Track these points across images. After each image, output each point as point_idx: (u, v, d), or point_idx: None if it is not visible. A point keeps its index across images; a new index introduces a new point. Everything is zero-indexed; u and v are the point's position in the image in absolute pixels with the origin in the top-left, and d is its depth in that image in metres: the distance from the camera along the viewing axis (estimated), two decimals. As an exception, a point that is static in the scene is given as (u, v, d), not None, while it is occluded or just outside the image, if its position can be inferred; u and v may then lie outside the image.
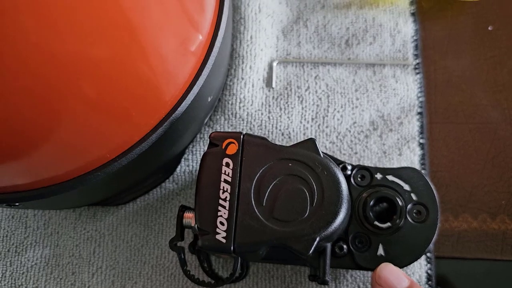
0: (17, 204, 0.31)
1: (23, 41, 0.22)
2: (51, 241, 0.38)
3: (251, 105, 0.39)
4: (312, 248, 0.27)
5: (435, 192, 0.33)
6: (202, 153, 0.39)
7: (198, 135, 0.39)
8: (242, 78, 0.40)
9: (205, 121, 0.39)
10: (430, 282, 0.37)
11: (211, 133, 0.29)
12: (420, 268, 0.37)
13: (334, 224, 0.27)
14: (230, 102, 0.39)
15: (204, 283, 0.31)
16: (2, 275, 0.38)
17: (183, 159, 0.39)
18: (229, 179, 0.28)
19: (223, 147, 0.29)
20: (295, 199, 0.28)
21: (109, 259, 0.38)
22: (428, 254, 0.38)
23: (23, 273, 0.38)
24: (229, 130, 0.39)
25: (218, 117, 0.39)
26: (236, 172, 0.28)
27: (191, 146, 0.39)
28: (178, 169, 0.39)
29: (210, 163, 0.29)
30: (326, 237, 0.27)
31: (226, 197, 0.28)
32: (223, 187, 0.28)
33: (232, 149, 0.29)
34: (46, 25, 0.22)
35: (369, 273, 0.37)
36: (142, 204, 0.38)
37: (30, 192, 0.30)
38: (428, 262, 0.37)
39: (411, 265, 0.37)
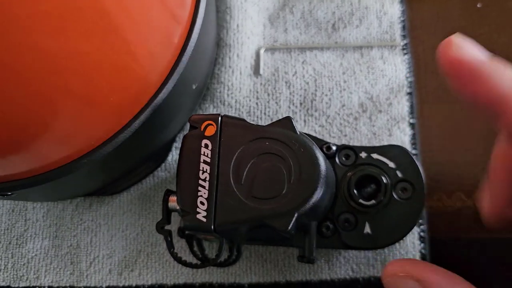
0: (9, 193, 0.32)
1: (13, 37, 0.23)
2: (50, 232, 0.39)
3: (239, 92, 0.40)
4: (291, 225, 0.27)
5: (420, 168, 0.33)
6: (192, 141, 0.39)
7: (188, 124, 0.40)
8: (230, 67, 0.40)
9: (194, 109, 0.39)
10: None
11: (191, 116, 0.30)
12: (413, 248, 0.37)
13: (312, 199, 0.27)
14: (218, 90, 0.40)
15: (190, 264, 0.31)
16: (4, 267, 0.39)
17: (174, 148, 0.39)
18: (208, 160, 0.29)
19: (202, 129, 0.29)
20: (273, 177, 0.28)
21: (105, 248, 0.39)
22: (422, 234, 0.37)
23: (24, 264, 0.39)
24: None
25: (207, 105, 0.40)
26: (215, 153, 0.29)
27: (182, 133, 0.40)
28: (169, 157, 0.39)
29: (190, 145, 0.29)
30: (305, 213, 0.28)
31: (205, 177, 0.28)
32: (203, 167, 0.29)
33: (211, 130, 0.29)
34: (34, 22, 0.23)
35: (362, 254, 0.37)
36: (136, 193, 0.39)
37: (19, 181, 0.31)
38: (422, 242, 0.37)
39: (405, 245, 0.37)
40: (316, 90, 0.40)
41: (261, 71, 0.40)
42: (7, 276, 0.39)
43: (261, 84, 0.40)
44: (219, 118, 0.29)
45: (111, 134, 0.31)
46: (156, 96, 0.31)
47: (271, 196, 0.28)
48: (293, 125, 0.29)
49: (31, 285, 0.38)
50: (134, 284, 0.38)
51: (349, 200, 0.32)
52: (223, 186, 0.28)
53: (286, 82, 0.40)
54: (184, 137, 0.29)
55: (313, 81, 0.40)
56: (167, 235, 0.31)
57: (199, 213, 0.28)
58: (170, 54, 0.32)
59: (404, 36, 0.41)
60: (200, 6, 0.33)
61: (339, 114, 0.40)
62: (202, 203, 0.28)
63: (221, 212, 0.28)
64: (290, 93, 0.40)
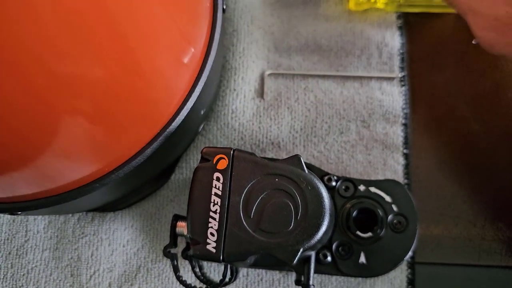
0: (19, 212, 0.33)
1: (26, 61, 0.23)
2: (51, 244, 0.40)
3: (243, 115, 0.41)
4: (296, 258, 0.29)
5: (414, 203, 0.35)
6: (195, 161, 0.41)
7: (191, 144, 0.41)
8: (234, 89, 0.41)
9: (199, 130, 0.40)
10: (410, 287, 0.39)
11: (203, 149, 0.31)
12: (401, 272, 0.39)
13: (317, 236, 0.29)
14: (222, 113, 0.41)
15: (195, 288, 0.33)
16: (3, 277, 0.40)
17: (177, 167, 0.41)
18: (219, 193, 0.30)
19: (214, 162, 0.30)
20: (281, 212, 0.30)
21: (106, 262, 0.40)
22: (409, 260, 0.40)
23: (23, 274, 0.40)
24: (222, 140, 0.41)
25: (211, 126, 0.41)
26: (226, 186, 0.30)
27: (185, 154, 0.41)
28: (172, 176, 0.40)
29: (202, 177, 0.30)
30: (309, 247, 0.29)
31: (216, 209, 0.30)
32: (214, 200, 0.30)
33: (223, 164, 0.30)
34: (48, 46, 0.23)
35: (352, 278, 0.39)
36: (138, 210, 0.40)
37: (31, 202, 0.32)
38: (409, 267, 0.39)
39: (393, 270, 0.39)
40: (316, 117, 0.41)
41: (265, 96, 0.42)
42: (5, 286, 0.39)
43: (264, 108, 0.42)
44: (231, 152, 0.31)
45: (124, 160, 0.31)
46: (170, 124, 0.32)
47: (278, 231, 0.29)
48: (302, 163, 0.30)
49: (30, 296, 0.39)
50: (133, 298, 0.39)
51: (347, 230, 0.34)
52: (232, 219, 0.30)
53: (288, 108, 0.42)
54: (197, 168, 0.30)
55: (314, 108, 0.42)
56: (174, 259, 0.33)
57: (209, 244, 0.29)
58: (185, 81, 0.33)
59: (402, 68, 0.43)
60: (216, 32, 0.34)
61: (337, 141, 0.41)
62: (212, 234, 0.29)
63: (230, 243, 0.29)
64: (292, 119, 0.41)
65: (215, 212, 0.30)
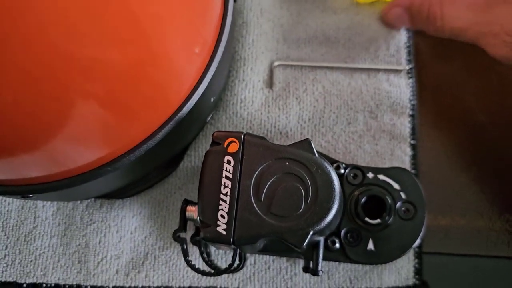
0: (30, 195, 0.33)
1: (43, 43, 0.23)
2: (59, 231, 0.40)
3: (251, 105, 0.41)
4: (306, 241, 0.29)
5: (422, 191, 0.35)
6: (204, 150, 0.41)
7: (200, 133, 0.41)
8: (243, 80, 0.42)
9: (208, 119, 0.41)
10: (417, 276, 0.39)
11: (214, 133, 0.31)
12: (408, 262, 0.39)
13: (327, 219, 0.29)
14: (231, 102, 0.41)
15: (204, 272, 0.33)
16: (11, 263, 0.40)
17: (186, 155, 0.41)
18: (230, 176, 0.30)
19: (225, 145, 0.31)
20: (291, 196, 0.30)
21: (113, 249, 0.40)
22: (416, 250, 0.40)
23: (31, 261, 0.40)
24: (230, 129, 0.41)
25: (220, 116, 0.41)
26: (237, 169, 0.30)
27: (193, 143, 0.41)
28: (181, 164, 0.41)
29: (213, 161, 0.31)
30: (319, 231, 0.30)
31: (227, 192, 0.30)
32: (224, 183, 0.30)
33: (233, 147, 0.31)
34: (65, 29, 0.24)
35: (361, 266, 0.39)
36: (146, 198, 0.40)
37: (43, 185, 0.32)
38: (416, 257, 0.40)
39: (400, 259, 0.39)
40: (324, 107, 0.42)
41: (273, 86, 0.42)
42: (13, 272, 0.40)
43: (272, 98, 0.42)
44: (242, 136, 0.31)
45: (136, 143, 0.32)
46: (180, 110, 0.32)
47: (288, 214, 0.30)
48: (312, 147, 0.30)
49: (37, 282, 0.39)
50: (140, 286, 0.39)
51: (355, 217, 0.34)
52: (243, 202, 0.30)
53: (296, 98, 0.42)
54: (208, 152, 0.31)
55: (322, 99, 0.42)
56: (183, 243, 0.33)
57: (219, 225, 0.30)
58: (196, 68, 0.33)
59: (409, 61, 0.43)
60: (226, 22, 0.34)
61: (344, 131, 0.41)
62: (222, 216, 0.30)
63: (240, 226, 0.30)
64: (300, 109, 0.42)
65: (225, 195, 0.30)
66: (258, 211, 0.30)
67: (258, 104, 0.42)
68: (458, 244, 0.40)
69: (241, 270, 0.39)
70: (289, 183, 0.30)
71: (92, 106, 0.28)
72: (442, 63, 0.44)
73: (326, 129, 0.41)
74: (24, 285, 0.39)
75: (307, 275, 0.39)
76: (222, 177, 0.30)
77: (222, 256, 0.39)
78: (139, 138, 0.32)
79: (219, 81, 0.37)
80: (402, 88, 0.42)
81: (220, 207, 0.30)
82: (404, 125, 0.42)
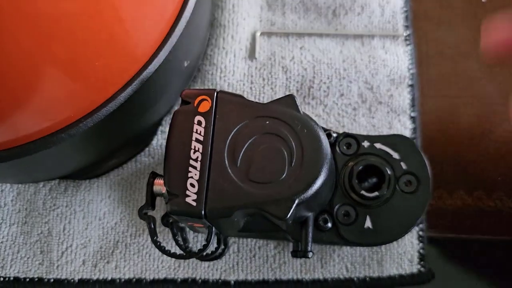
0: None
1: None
2: (19, 218, 0.36)
3: (233, 75, 0.37)
4: (290, 212, 0.25)
5: (426, 161, 0.31)
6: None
7: (176, 106, 0.37)
8: (223, 48, 0.38)
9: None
10: (422, 262, 0.35)
11: (183, 91, 0.27)
12: (412, 247, 0.35)
13: (315, 185, 0.25)
14: (210, 72, 0.37)
15: (175, 255, 0.29)
16: (-35, 254, 0.35)
17: (159, 132, 0.37)
18: (201, 138, 0.26)
19: (195, 104, 0.27)
20: (273, 159, 0.26)
21: (80, 237, 0.35)
22: (421, 233, 0.35)
23: (-13, 252, 0.35)
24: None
25: (197, 87, 0.37)
26: (209, 131, 0.26)
27: (167, 118, 0.37)
28: (154, 142, 0.36)
29: (181, 122, 0.26)
30: (306, 201, 0.25)
31: (197, 157, 0.26)
32: (195, 146, 0.26)
33: (205, 106, 0.26)
34: None
35: (358, 252, 0.35)
36: (116, 179, 0.36)
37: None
38: (421, 241, 0.35)
39: (403, 244, 0.35)
40: (314, 77, 0.38)
41: (257, 55, 0.38)
42: (-33, 265, 0.35)
43: (256, 68, 0.38)
44: (215, 94, 0.27)
45: (95, 106, 0.28)
46: (145, 68, 0.29)
47: (270, 181, 0.25)
48: (296, 103, 0.26)
49: (-6, 276, 0.35)
50: (109, 278, 0.35)
51: (350, 191, 0.30)
52: (216, 168, 0.26)
53: (282, 67, 0.38)
54: (175, 112, 0.27)
55: (311, 68, 0.38)
56: (150, 221, 0.29)
57: (188, 196, 0.25)
58: (162, 25, 0.29)
59: (407, 27, 0.39)
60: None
61: (337, 104, 0.37)
62: (192, 185, 0.25)
63: (213, 196, 0.25)
64: (287, 79, 0.38)
65: (196, 160, 0.26)
66: (234, 178, 0.25)
67: (240, 75, 0.37)
68: (465, 227, 0.36)
69: (223, 259, 0.35)
70: (270, 145, 0.26)
71: (43, 61, 0.24)
72: (443, 30, 0.40)
73: (317, 102, 0.37)
74: (-22, 279, 0.35)
75: (298, 263, 0.35)
76: (192, 140, 0.26)
77: (201, 243, 0.35)
78: (98, 100, 0.28)
79: (192, 43, 0.33)
80: (399, 56, 0.38)
81: (190, 174, 0.26)
82: (403, 96, 0.38)
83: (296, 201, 0.25)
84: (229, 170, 0.26)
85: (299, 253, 0.29)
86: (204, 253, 0.28)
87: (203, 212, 0.25)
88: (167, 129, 0.36)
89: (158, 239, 0.28)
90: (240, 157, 0.26)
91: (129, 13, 0.27)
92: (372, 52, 0.38)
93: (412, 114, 0.37)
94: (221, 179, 0.25)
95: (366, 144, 0.31)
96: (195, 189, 0.25)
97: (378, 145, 0.31)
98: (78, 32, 0.24)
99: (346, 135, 0.31)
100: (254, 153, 0.26)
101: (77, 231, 0.35)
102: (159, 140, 0.37)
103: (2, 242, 0.36)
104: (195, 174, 0.25)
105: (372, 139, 0.31)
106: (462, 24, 0.40)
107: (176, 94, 0.35)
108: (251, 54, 0.38)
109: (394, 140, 0.31)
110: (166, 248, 0.29)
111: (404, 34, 0.39)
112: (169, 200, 0.26)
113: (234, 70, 0.37)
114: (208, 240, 0.28)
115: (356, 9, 0.39)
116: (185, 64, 0.33)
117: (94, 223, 0.36)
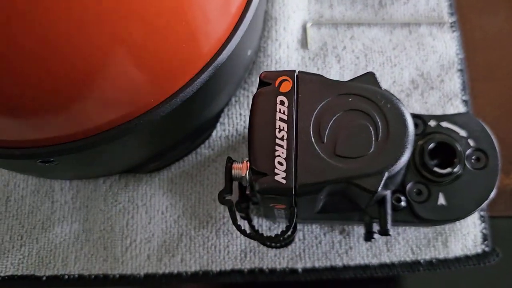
0: (52, 160, 0.29)
1: None
2: (80, 215, 0.36)
3: (287, 65, 0.38)
4: (381, 184, 0.25)
5: (493, 137, 0.31)
6: (238, 116, 0.37)
7: (233, 99, 0.37)
8: (277, 40, 0.38)
9: (241, 83, 0.37)
10: (486, 242, 0.35)
11: (262, 73, 0.27)
12: (474, 227, 0.35)
13: (403, 158, 0.25)
14: (265, 64, 0.38)
15: (261, 236, 0.28)
16: (28, 254, 0.35)
17: (218, 124, 0.37)
18: (285, 118, 0.26)
19: (276, 85, 0.27)
20: (359, 134, 0.26)
21: (143, 232, 0.35)
22: (482, 213, 0.36)
23: (50, 250, 0.35)
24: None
25: (253, 79, 0.38)
26: (292, 110, 0.26)
27: (226, 109, 0.37)
28: (214, 134, 0.37)
29: (263, 102, 0.27)
30: (393, 174, 0.25)
31: (283, 136, 0.26)
32: (279, 125, 0.26)
33: (286, 86, 0.27)
34: None
35: (422, 234, 0.35)
36: (177, 172, 0.36)
37: (67, 145, 0.28)
38: (482, 221, 0.35)
39: (466, 225, 0.35)
40: (366, 65, 0.38)
41: (309, 46, 0.39)
42: (31, 264, 0.35)
43: (309, 58, 0.38)
44: (295, 74, 0.27)
45: (173, 91, 0.28)
46: (220, 54, 0.29)
47: (357, 155, 0.25)
48: (376, 80, 0.27)
49: (58, 274, 0.35)
50: (175, 271, 0.35)
51: (422, 169, 0.30)
52: (303, 145, 0.26)
53: (335, 56, 0.38)
54: (257, 93, 0.27)
55: (364, 56, 0.38)
56: (231, 205, 0.29)
57: (277, 174, 0.25)
58: (233, 13, 0.30)
59: (451, 14, 0.40)
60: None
61: (390, 90, 0.38)
62: (280, 163, 0.25)
63: (303, 173, 0.25)
64: (340, 68, 0.38)
65: (281, 139, 0.26)
66: (322, 154, 0.25)
67: (294, 65, 0.38)
68: (525, 206, 0.36)
69: (289, 248, 0.35)
70: (355, 121, 0.26)
71: (126, 54, 0.25)
72: (486, 16, 0.41)
73: (370, 89, 0.38)
74: (44, 278, 0.34)
75: (364, 248, 0.35)
76: (276, 119, 0.26)
77: (263, 229, 0.35)
78: (175, 86, 0.28)
79: (255, 32, 0.33)
80: (447, 42, 0.39)
81: (277, 153, 0.26)
82: (454, 80, 0.38)
83: (386, 174, 0.25)
84: (316, 147, 0.26)
85: (380, 231, 0.29)
86: (286, 235, 0.28)
87: (293, 189, 0.25)
88: (225, 121, 0.37)
89: (239, 223, 0.28)
90: (326, 134, 0.26)
91: (203, 10, 0.27)
92: (421, 39, 0.39)
93: (464, 98, 0.38)
94: (308, 156, 0.26)
95: (432, 123, 0.31)
96: (284, 167, 0.25)
97: (444, 124, 0.31)
98: (158, 27, 0.25)
99: (413, 115, 0.31)
100: (340, 129, 0.26)
101: (140, 226, 0.35)
102: (219, 132, 0.37)
103: (64, 240, 0.35)
104: (282, 153, 0.26)
105: (438, 118, 0.31)
106: (504, 10, 0.41)
107: (237, 84, 0.36)
108: (303, 44, 0.39)
109: (459, 118, 0.31)
110: (248, 232, 0.28)
111: (450, 21, 0.40)
112: (257, 180, 0.26)
113: (288, 61, 0.38)
114: (290, 221, 0.27)
115: (402, -1, 0.40)
116: (248, 53, 0.33)
117: (157, 217, 0.35)
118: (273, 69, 0.37)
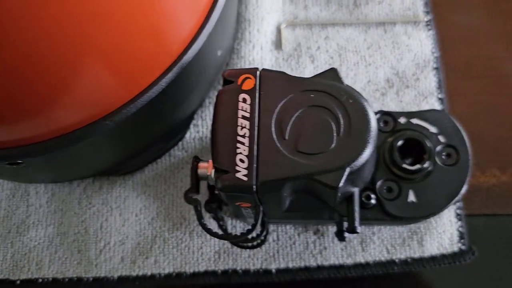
0: (20, 162, 0.29)
1: None
2: (55, 218, 0.36)
3: (261, 67, 0.38)
4: (342, 180, 0.25)
5: (463, 133, 0.31)
6: (211, 118, 0.37)
7: (207, 100, 0.37)
8: (250, 41, 0.38)
9: (214, 84, 0.37)
10: (462, 240, 0.34)
11: (225, 71, 0.27)
12: (451, 226, 0.35)
13: (365, 153, 0.25)
14: (238, 65, 0.38)
15: (224, 236, 0.28)
16: (3, 258, 0.35)
17: (192, 125, 0.37)
18: (247, 115, 0.26)
19: (239, 83, 0.27)
20: (320, 130, 0.26)
21: (117, 234, 0.35)
22: (458, 211, 0.35)
23: (25, 254, 0.35)
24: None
25: (227, 80, 0.38)
26: (254, 107, 0.26)
27: (200, 111, 0.37)
28: (187, 135, 0.37)
29: (226, 100, 0.27)
30: (355, 170, 0.25)
31: (244, 133, 0.26)
32: (241, 123, 0.26)
33: (249, 84, 0.27)
34: None
35: (397, 234, 0.35)
36: (151, 174, 0.36)
37: (34, 146, 0.28)
38: (459, 220, 0.35)
39: (442, 223, 0.35)
40: (341, 65, 0.38)
41: (283, 47, 0.39)
42: (5, 268, 0.35)
43: (283, 59, 0.38)
44: (258, 72, 0.27)
45: (138, 91, 0.28)
46: (185, 53, 0.29)
47: (319, 151, 0.25)
48: (339, 76, 0.27)
49: (32, 277, 0.35)
50: (149, 273, 0.34)
51: (391, 166, 0.30)
52: (265, 142, 0.26)
53: (309, 57, 0.38)
54: (220, 91, 0.27)
55: (338, 56, 0.38)
56: (197, 205, 0.29)
57: (238, 171, 0.25)
58: (199, 12, 0.30)
59: (427, 12, 0.40)
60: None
61: (365, 90, 0.38)
62: (241, 160, 0.25)
63: (264, 170, 0.25)
64: (314, 68, 0.38)
65: (243, 136, 0.26)
66: (283, 150, 0.25)
67: (268, 66, 0.38)
68: (502, 203, 0.36)
69: (263, 248, 0.35)
70: (317, 117, 0.26)
71: (91, 52, 0.25)
72: (462, 13, 0.41)
73: (345, 89, 0.38)
74: (18, 282, 0.34)
75: (338, 248, 0.35)
76: (238, 117, 0.26)
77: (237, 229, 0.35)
78: (141, 86, 0.28)
79: (225, 32, 0.33)
80: (422, 41, 0.39)
81: (238, 150, 0.26)
82: (429, 78, 0.38)
83: (347, 170, 0.25)
84: (278, 144, 0.26)
85: (348, 229, 0.29)
86: (250, 236, 0.28)
87: (254, 186, 0.25)
88: (199, 123, 0.37)
89: (205, 222, 0.28)
90: (287, 130, 0.26)
91: (169, 11, 0.27)
92: (396, 38, 0.39)
93: (440, 96, 0.38)
94: (270, 152, 0.26)
95: (402, 120, 0.31)
96: (245, 165, 0.25)
97: (414, 121, 0.31)
98: (119, 18, 0.25)
99: (383, 113, 0.31)
100: (302, 125, 0.26)
101: (114, 228, 0.35)
102: (192, 133, 0.37)
103: (39, 244, 0.35)
104: (244, 150, 0.26)
105: (408, 115, 0.31)
106: (479, 7, 0.41)
107: (209, 85, 0.36)
108: (277, 46, 0.39)
109: (430, 114, 0.31)
110: (214, 230, 0.28)
111: (425, 19, 0.40)
112: (218, 177, 0.26)
113: (262, 62, 0.38)
114: (256, 219, 0.27)
115: (376, -1, 0.40)
116: (218, 54, 0.33)
117: (131, 219, 0.35)
118: (246, 70, 0.37)
